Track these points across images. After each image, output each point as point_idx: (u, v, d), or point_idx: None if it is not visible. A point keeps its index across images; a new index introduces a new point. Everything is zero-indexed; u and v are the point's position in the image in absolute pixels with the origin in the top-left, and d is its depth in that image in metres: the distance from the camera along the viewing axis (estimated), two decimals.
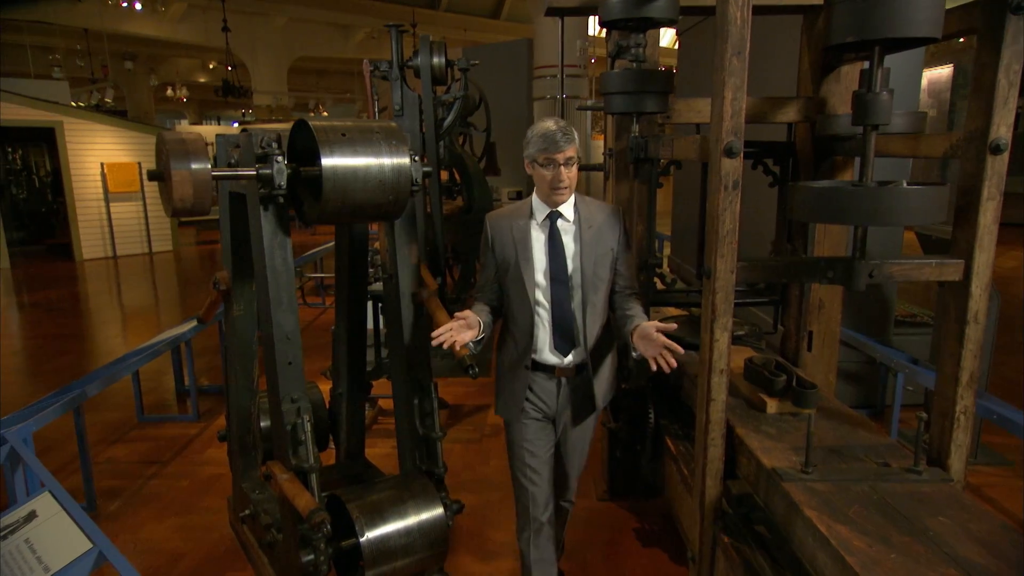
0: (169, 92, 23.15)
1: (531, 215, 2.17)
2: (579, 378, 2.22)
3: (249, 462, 2.73)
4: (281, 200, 2.03)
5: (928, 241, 4.64)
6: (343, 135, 2.01)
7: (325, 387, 2.93)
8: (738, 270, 2.01)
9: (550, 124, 2.05)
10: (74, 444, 3.32)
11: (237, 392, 2.68)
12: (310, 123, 2.00)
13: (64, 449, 3.74)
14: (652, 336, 1.92)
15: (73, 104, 15.34)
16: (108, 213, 10.72)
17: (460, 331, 2.03)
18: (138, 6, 16.80)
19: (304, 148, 2.09)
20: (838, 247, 2.88)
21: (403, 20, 15.75)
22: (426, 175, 2.29)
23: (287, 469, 2.13)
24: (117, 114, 17.07)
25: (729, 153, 1.90)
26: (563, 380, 2.22)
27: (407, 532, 2.13)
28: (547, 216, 2.14)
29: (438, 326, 2.48)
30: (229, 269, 2.52)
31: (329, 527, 1.89)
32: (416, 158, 2.21)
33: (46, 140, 11.19)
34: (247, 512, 2.59)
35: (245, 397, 2.69)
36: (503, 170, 11.95)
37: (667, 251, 8.11)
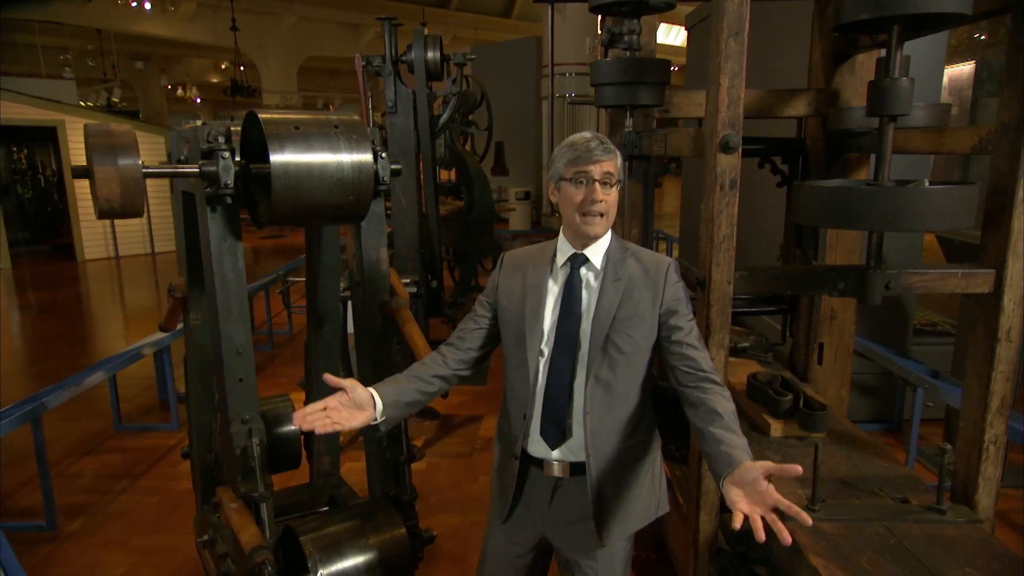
0: (180, 92, 23.16)
1: (553, 258, 1.65)
2: (578, 486, 1.62)
3: (210, 483, 2.54)
4: (229, 200, 1.83)
5: (951, 246, 4.35)
6: (296, 128, 1.81)
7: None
8: (736, 280, 1.78)
9: (585, 134, 1.57)
10: (47, 456, 3.17)
11: (198, 407, 2.49)
12: (259, 115, 1.81)
13: (34, 461, 3.58)
14: (757, 486, 1.24)
15: (82, 104, 15.32)
16: None
17: (339, 412, 1.51)
18: (147, 6, 16.76)
19: (259, 143, 1.89)
20: (852, 253, 2.65)
21: (413, 19, 15.62)
22: (395, 173, 2.10)
23: (237, 497, 1.94)
24: (129, 115, 17.06)
25: (725, 148, 1.68)
26: (557, 483, 1.64)
27: (367, 568, 1.93)
28: (568, 259, 1.61)
29: (408, 339, 2.28)
30: (185, 274, 2.33)
31: (271, 568, 1.69)
32: (382, 155, 2.01)
33: (52, 140, 11.11)
34: (205, 538, 2.40)
35: (206, 412, 2.50)
36: (511, 170, 11.73)
37: (676, 253, 7.87)
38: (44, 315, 7.54)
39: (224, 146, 1.79)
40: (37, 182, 12.81)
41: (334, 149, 1.84)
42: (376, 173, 1.99)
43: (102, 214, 1.65)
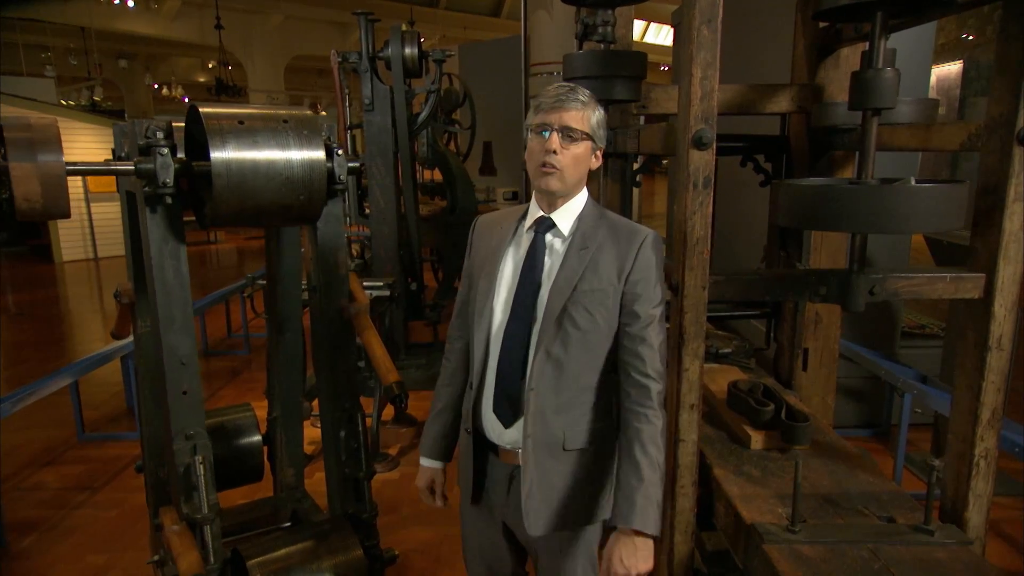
0: (165, 91, 22.90)
1: (522, 219, 1.56)
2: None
3: (163, 499, 2.40)
4: (169, 200, 1.71)
5: (939, 247, 4.25)
6: (240, 123, 1.68)
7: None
8: (711, 285, 1.67)
9: (563, 83, 1.48)
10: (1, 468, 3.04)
11: (149, 418, 2.36)
12: (200, 109, 1.68)
13: None
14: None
15: (63, 103, 15.07)
16: (89, 214, 10.42)
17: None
18: (130, 3, 16.52)
19: (204, 139, 1.77)
20: (839, 255, 2.54)
21: (401, 18, 15.46)
22: (351, 171, 1.98)
23: (180, 518, 1.81)
24: (114, 113, 16.79)
25: (699, 144, 1.56)
26: (514, 471, 1.54)
27: None
28: (535, 223, 1.52)
29: (366, 347, 2.17)
30: (131, 279, 2.20)
31: None
32: (338, 152, 1.89)
33: None
34: (156, 558, 2.26)
35: (158, 424, 2.36)
36: (499, 170, 11.62)
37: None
38: (15, 319, 7.34)
39: (163, 142, 1.67)
40: None
41: (283, 146, 1.72)
42: (331, 171, 1.87)
43: (22, 215, 1.52)
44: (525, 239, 1.53)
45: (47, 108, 10.29)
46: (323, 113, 25.36)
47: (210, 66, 22.82)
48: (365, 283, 3.62)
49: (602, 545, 1.55)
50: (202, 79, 24.28)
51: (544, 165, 1.42)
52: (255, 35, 19.54)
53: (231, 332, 6.20)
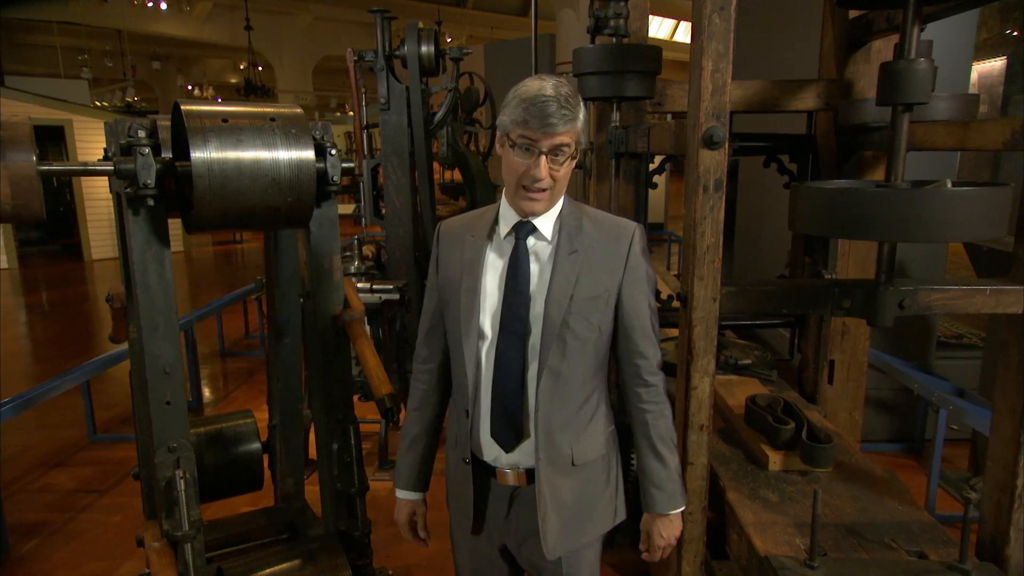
0: (197, 92, 23.27)
1: (495, 224, 1.42)
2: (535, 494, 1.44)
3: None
4: (151, 202, 1.63)
5: (979, 254, 3.99)
6: (224, 121, 1.60)
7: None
8: (724, 296, 1.54)
9: (545, 85, 1.25)
10: (10, 469, 3.02)
11: (143, 426, 2.30)
12: (182, 106, 1.61)
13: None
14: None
15: (96, 104, 15.37)
16: None
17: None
18: (163, 6, 16.80)
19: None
20: (868, 262, 2.38)
21: (429, 18, 15.45)
22: (345, 172, 1.89)
23: (161, 534, 1.74)
24: (147, 114, 17.09)
25: (709, 143, 1.43)
26: (514, 492, 1.45)
27: None
28: (513, 228, 1.38)
29: (360, 356, 2.07)
30: (124, 283, 2.14)
31: None
32: (331, 152, 1.81)
33: (62, 140, 11.09)
34: (148, 571, 2.20)
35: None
36: None
37: None
38: (43, 316, 7.46)
39: (145, 141, 1.59)
40: (49, 182, 12.80)
41: (269, 145, 1.63)
42: (324, 172, 1.79)
43: None
44: (504, 247, 1.38)
45: (80, 109, 10.47)
46: (351, 113, 25.54)
47: (241, 67, 23.14)
48: (374, 286, 3.54)
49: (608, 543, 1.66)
50: (233, 80, 24.63)
51: (528, 189, 1.29)
52: (284, 36, 19.76)
53: (248, 333, 6.20)
